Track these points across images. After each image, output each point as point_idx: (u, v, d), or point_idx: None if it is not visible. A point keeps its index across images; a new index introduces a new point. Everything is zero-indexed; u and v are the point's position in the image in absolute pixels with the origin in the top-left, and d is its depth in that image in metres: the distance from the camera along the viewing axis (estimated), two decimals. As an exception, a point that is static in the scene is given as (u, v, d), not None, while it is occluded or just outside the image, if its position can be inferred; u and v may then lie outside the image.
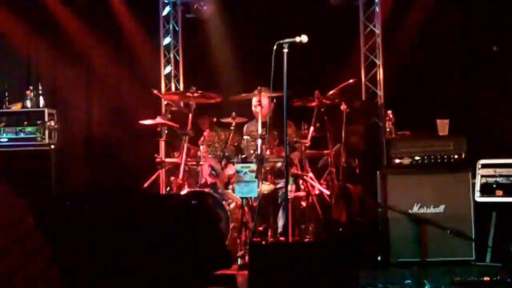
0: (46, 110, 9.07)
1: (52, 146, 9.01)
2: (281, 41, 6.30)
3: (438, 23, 9.34)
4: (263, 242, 7.49)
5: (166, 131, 8.44)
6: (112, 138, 10.36)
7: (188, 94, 8.08)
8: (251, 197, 7.50)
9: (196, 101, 8.12)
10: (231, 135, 7.88)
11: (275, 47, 6.28)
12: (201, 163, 7.96)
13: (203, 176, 7.93)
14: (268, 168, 7.66)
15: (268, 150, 7.63)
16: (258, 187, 7.28)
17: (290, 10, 9.94)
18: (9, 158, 8.90)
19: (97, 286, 4.38)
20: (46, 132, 8.98)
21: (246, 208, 7.48)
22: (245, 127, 8.48)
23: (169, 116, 8.50)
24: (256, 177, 7.28)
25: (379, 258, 7.63)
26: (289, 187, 6.64)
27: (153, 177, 8.30)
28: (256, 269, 5.05)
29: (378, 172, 7.89)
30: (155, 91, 8.72)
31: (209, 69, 10.10)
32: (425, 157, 7.78)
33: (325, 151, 8.25)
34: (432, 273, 7.09)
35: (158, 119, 8.27)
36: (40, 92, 9.28)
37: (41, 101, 9.24)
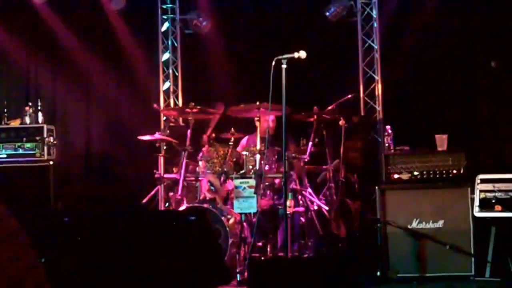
0: (45, 126, 9.07)
1: (51, 162, 9.00)
2: (280, 57, 6.31)
3: (437, 38, 9.37)
4: (262, 258, 7.48)
5: (165, 147, 8.44)
6: (111, 154, 10.35)
7: (187, 109, 8.09)
8: (250, 213, 7.48)
9: (195, 116, 8.11)
10: (230, 150, 7.87)
11: (273, 63, 6.29)
12: (200, 178, 7.96)
13: (202, 192, 7.91)
14: (267, 183, 7.67)
15: (267, 166, 7.63)
16: (257, 202, 7.28)
17: (288, 26, 9.97)
18: (8, 174, 8.89)
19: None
20: (45, 148, 8.97)
21: (245, 224, 7.47)
22: (245, 140, 8.50)
23: (168, 131, 8.51)
24: (255, 193, 7.28)
25: (378, 273, 7.61)
26: (288, 203, 6.63)
27: (152, 192, 8.30)
28: (255, 285, 5.04)
29: (377, 187, 7.88)
30: (155, 105, 8.74)
31: (208, 84, 10.11)
32: (424, 172, 7.79)
33: (324, 167, 8.25)
34: (431, 289, 7.09)
35: (157, 135, 8.27)
36: (39, 108, 9.29)
37: (40, 117, 9.24)
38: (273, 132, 8.36)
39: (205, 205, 7.63)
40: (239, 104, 8.13)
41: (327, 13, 9.78)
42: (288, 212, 6.78)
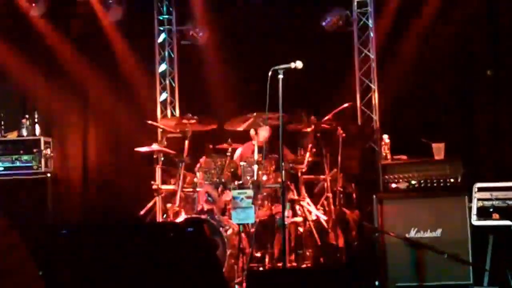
0: (42, 138, 9.08)
1: (48, 174, 9.01)
2: (276, 67, 6.32)
3: (433, 47, 9.38)
4: (261, 269, 7.47)
5: (162, 158, 8.43)
6: (108, 166, 10.34)
7: (184, 120, 8.09)
8: (248, 223, 7.48)
9: (192, 127, 8.12)
10: (228, 161, 7.88)
11: (270, 73, 6.30)
12: (197, 189, 7.95)
13: (200, 203, 7.91)
14: (264, 193, 7.68)
15: (265, 176, 7.63)
16: (255, 213, 7.27)
17: (285, 36, 9.98)
18: (5, 186, 8.89)
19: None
20: (42, 160, 8.99)
21: (243, 235, 7.46)
22: (240, 150, 8.49)
23: (165, 143, 8.50)
24: (252, 203, 7.27)
25: (376, 283, 7.61)
26: (285, 213, 6.63)
27: (150, 204, 8.28)
28: (253, 296, 5.03)
29: (374, 196, 7.88)
30: (150, 122, 8.72)
31: (205, 95, 10.11)
32: (421, 181, 7.79)
33: (321, 176, 8.25)
34: (430, 298, 7.09)
35: (154, 146, 8.26)
36: (36, 120, 9.29)
37: (37, 129, 9.25)
38: (268, 141, 8.37)
39: (203, 216, 7.63)
40: (236, 117, 8.17)
41: (323, 23, 9.80)
42: (286, 222, 6.78)
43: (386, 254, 7.64)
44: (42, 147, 9.02)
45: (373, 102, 9.79)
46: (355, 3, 9.93)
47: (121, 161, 10.17)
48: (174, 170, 8.34)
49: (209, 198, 7.71)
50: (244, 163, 7.82)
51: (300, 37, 9.94)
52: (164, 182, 8.51)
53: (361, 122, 9.80)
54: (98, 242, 4.58)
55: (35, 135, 9.22)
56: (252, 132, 8.44)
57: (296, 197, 7.89)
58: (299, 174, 8.05)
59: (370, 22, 9.85)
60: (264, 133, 8.19)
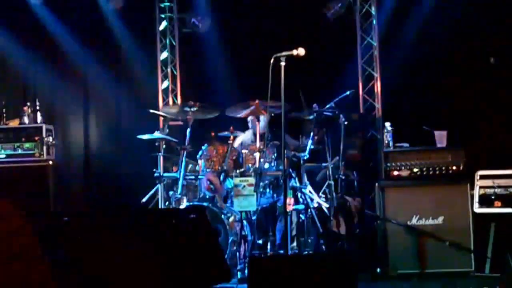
0: (43, 126, 9.08)
1: (50, 162, 9.01)
2: (278, 54, 6.30)
3: (435, 34, 9.35)
4: (262, 255, 7.47)
5: (164, 146, 8.42)
6: (110, 153, 10.34)
7: (185, 108, 8.08)
8: (249, 211, 7.48)
9: (194, 115, 8.11)
10: (230, 149, 7.87)
11: (272, 60, 6.28)
12: (199, 177, 7.95)
13: (202, 190, 7.91)
14: (266, 181, 7.68)
15: (266, 163, 7.63)
16: (257, 200, 7.27)
17: (287, 23, 9.95)
18: (7, 174, 8.89)
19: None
20: (44, 148, 8.98)
21: (245, 222, 7.47)
22: (239, 139, 8.48)
23: (167, 130, 8.49)
24: (254, 191, 7.28)
25: (378, 270, 7.62)
26: (287, 200, 6.62)
27: (152, 191, 8.28)
28: (255, 283, 5.02)
29: (376, 184, 7.89)
30: (152, 111, 8.70)
31: (207, 83, 10.10)
32: (424, 169, 7.79)
33: (324, 164, 8.24)
34: (431, 285, 7.10)
35: (156, 134, 8.26)
36: (37, 108, 9.28)
37: (39, 117, 9.24)
38: (269, 129, 8.36)
39: (205, 204, 7.63)
40: (237, 104, 8.13)
41: (326, 10, 9.77)
42: (288, 210, 6.78)
43: (388, 242, 7.65)
44: (44, 135, 9.01)
45: (375, 90, 9.77)
46: (358, -10, 9.91)
47: (123, 148, 10.16)
48: (176, 157, 8.34)
49: (211, 186, 7.71)
50: (246, 151, 7.81)
51: (302, 24, 9.90)
52: (166, 169, 8.51)
53: (363, 110, 9.78)
54: (100, 229, 4.58)
55: (36, 122, 9.21)
56: (249, 118, 8.43)
57: (298, 184, 7.88)
58: (301, 161, 8.04)
59: (373, 10, 9.82)
60: (265, 120, 8.18)
